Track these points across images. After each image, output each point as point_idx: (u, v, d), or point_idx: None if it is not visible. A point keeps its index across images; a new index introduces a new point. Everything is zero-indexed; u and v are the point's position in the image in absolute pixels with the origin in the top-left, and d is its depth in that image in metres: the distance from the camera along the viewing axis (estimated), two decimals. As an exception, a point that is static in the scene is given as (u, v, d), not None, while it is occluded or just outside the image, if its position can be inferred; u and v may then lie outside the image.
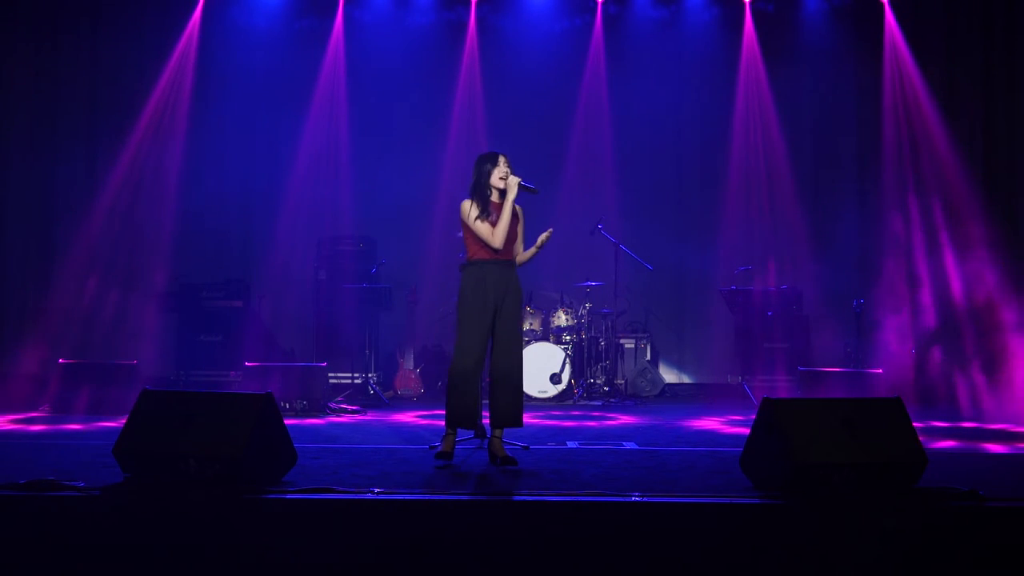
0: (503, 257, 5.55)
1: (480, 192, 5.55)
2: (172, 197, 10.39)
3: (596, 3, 10.72)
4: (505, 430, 5.61)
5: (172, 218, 10.37)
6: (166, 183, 10.47)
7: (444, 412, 5.54)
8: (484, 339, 5.52)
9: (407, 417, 7.92)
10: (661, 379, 9.94)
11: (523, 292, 5.75)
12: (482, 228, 5.49)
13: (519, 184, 5.50)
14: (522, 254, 5.70)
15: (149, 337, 10.06)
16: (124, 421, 4.77)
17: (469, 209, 5.54)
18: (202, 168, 10.34)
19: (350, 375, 9.57)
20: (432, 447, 5.94)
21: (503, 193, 5.55)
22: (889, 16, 10.42)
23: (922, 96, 10.20)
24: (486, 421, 5.71)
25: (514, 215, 5.61)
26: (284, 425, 4.79)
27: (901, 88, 10.34)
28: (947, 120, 10.27)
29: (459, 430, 5.61)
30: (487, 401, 5.66)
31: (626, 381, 9.89)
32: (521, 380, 5.59)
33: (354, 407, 8.26)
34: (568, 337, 9.47)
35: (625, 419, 7.90)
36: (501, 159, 5.58)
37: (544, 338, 9.35)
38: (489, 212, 5.52)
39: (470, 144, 10.28)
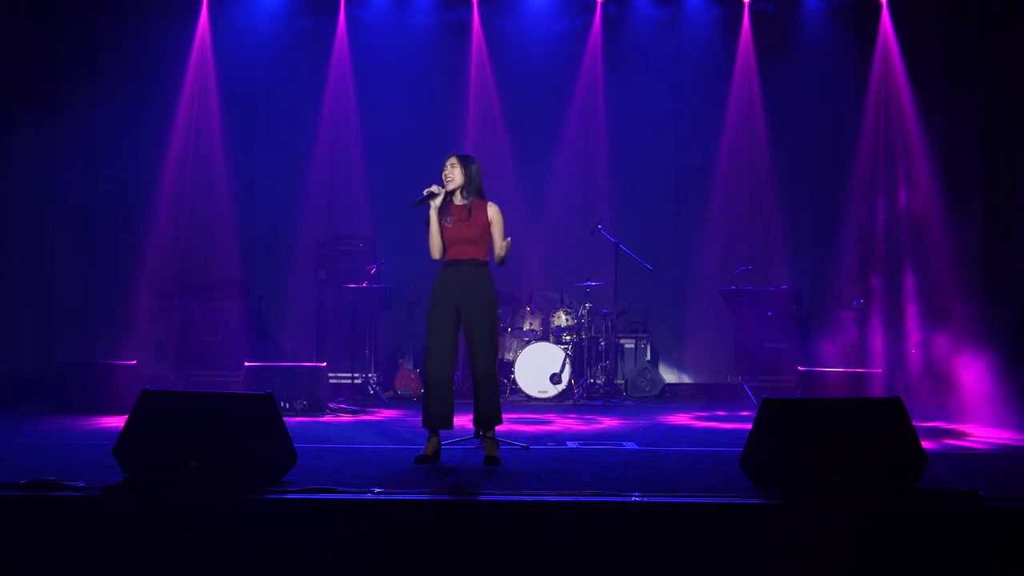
0: (465, 256, 5.51)
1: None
2: (172, 197, 10.40)
3: (596, 3, 10.70)
4: (506, 430, 5.62)
5: (172, 218, 10.37)
6: (167, 183, 10.47)
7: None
8: (449, 341, 5.49)
9: (407, 417, 7.92)
10: (661, 379, 9.94)
11: (491, 292, 5.54)
12: (429, 232, 5.53)
13: (426, 192, 5.52)
14: (497, 254, 5.56)
15: (149, 337, 10.06)
16: (124, 421, 4.77)
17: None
18: (202, 168, 10.33)
19: (350, 375, 9.57)
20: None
21: (451, 195, 5.57)
22: (885, 16, 10.41)
23: (905, 99, 10.23)
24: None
25: (476, 217, 5.53)
26: (284, 425, 4.79)
27: (897, 90, 10.36)
28: (947, 122, 10.32)
29: (458, 432, 5.63)
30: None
31: (626, 381, 9.89)
32: (494, 379, 5.52)
33: (354, 407, 8.26)
34: (568, 337, 9.47)
35: (625, 419, 7.90)
36: (447, 162, 5.60)
37: (544, 338, 9.35)
38: (446, 214, 5.55)
39: (471, 143, 10.27)
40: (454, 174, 5.54)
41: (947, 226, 9.68)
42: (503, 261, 5.52)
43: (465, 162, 5.59)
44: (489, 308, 5.51)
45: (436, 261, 5.62)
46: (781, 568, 4.02)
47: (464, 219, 5.51)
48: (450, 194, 5.56)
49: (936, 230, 9.71)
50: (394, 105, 10.50)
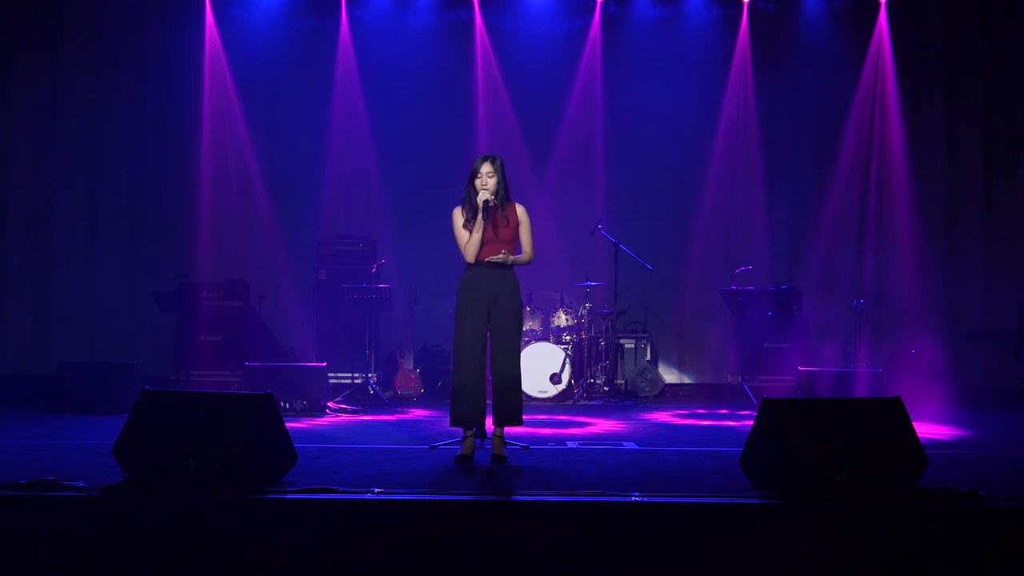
0: (496, 257, 5.51)
1: (470, 199, 5.54)
2: (171, 196, 10.40)
3: (595, 2, 10.68)
4: (506, 430, 5.63)
5: (172, 217, 10.37)
6: (166, 182, 10.47)
7: (449, 416, 5.57)
8: (479, 342, 5.50)
9: (407, 417, 7.92)
10: (661, 379, 9.93)
11: (521, 293, 5.69)
12: (461, 237, 5.52)
13: (482, 202, 5.43)
14: (516, 257, 5.61)
15: (149, 337, 10.06)
16: (124, 421, 4.77)
17: (456, 216, 5.57)
18: (202, 168, 10.32)
19: (350, 375, 9.56)
20: (432, 447, 5.95)
21: (486, 201, 5.52)
22: (882, 16, 10.39)
23: (891, 103, 10.25)
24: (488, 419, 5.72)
25: (509, 218, 5.55)
26: (284, 425, 4.79)
27: (884, 91, 10.39)
28: (947, 122, 10.35)
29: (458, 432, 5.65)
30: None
31: (626, 381, 9.88)
32: (519, 380, 5.60)
33: (354, 407, 8.26)
34: (568, 337, 9.46)
35: (625, 419, 7.89)
36: (482, 166, 5.49)
37: (544, 338, 9.34)
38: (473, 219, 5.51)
39: (468, 144, 10.26)
40: (491, 183, 5.47)
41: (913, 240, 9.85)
42: (532, 261, 5.64)
43: (498, 164, 5.53)
44: (519, 309, 5.61)
45: (457, 256, 5.61)
46: (781, 568, 4.02)
47: (502, 223, 5.53)
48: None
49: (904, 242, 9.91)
50: (396, 105, 10.48)
